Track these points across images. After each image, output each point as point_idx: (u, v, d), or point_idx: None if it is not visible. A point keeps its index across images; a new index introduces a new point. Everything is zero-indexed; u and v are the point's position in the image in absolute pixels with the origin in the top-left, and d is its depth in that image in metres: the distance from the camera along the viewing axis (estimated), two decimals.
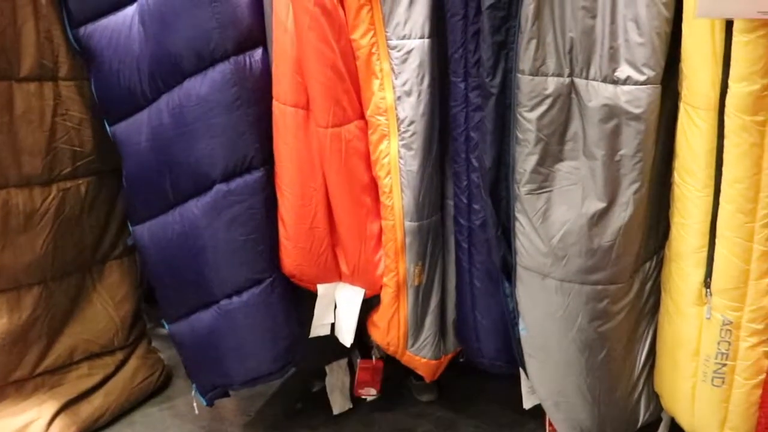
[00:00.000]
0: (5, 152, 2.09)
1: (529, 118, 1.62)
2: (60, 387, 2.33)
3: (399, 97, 1.84)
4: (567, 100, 1.61)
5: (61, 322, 2.33)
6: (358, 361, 2.34)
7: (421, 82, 1.82)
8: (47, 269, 2.25)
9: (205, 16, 1.86)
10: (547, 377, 1.82)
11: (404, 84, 1.83)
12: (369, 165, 1.93)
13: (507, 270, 1.79)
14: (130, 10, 2.00)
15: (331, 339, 2.15)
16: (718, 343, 1.58)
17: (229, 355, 2.07)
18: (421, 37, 1.80)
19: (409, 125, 1.84)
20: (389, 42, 1.81)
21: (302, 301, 2.10)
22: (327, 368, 2.36)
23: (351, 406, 2.41)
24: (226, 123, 1.91)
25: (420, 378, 2.27)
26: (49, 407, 2.26)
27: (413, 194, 1.89)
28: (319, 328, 2.12)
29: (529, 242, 1.70)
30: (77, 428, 2.30)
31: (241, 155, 1.92)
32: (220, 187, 1.94)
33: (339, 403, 2.39)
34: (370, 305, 2.09)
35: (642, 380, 1.84)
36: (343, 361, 2.37)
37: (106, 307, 2.42)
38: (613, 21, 1.52)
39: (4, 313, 2.18)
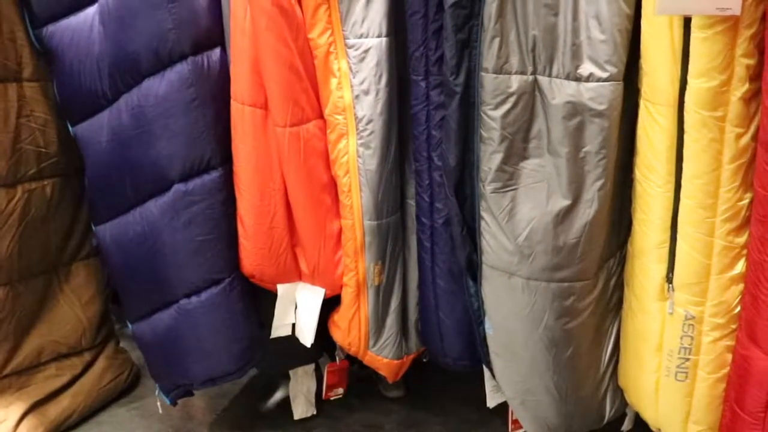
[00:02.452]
0: None
1: (493, 117, 1.54)
2: (27, 388, 2.20)
3: (357, 96, 1.73)
4: (531, 97, 1.53)
5: (28, 323, 2.21)
6: (327, 365, 2.25)
7: (379, 80, 1.72)
8: (13, 271, 2.13)
9: (163, 17, 1.75)
10: (514, 376, 1.75)
11: (362, 83, 1.73)
12: (328, 164, 1.82)
13: (472, 269, 1.71)
14: (91, 11, 1.88)
15: (297, 343, 2.04)
16: (681, 338, 1.53)
17: (189, 355, 1.97)
18: (379, 36, 1.70)
19: (368, 124, 1.74)
20: (347, 41, 1.71)
21: (263, 301, 2.00)
22: (291, 373, 2.25)
23: (314, 412, 2.30)
24: (185, 123, 1.80)
25: None
26: (17, 409, 2.14)
27: (372, 193, 1.79)
28: (280, 328, 2.01)
29: (495, 241, 1.62)
30: (45, 429, 2.17)
31: (199, 155, 1.82)
32: (178, 187, 1.83)
33: (301, 409, 2.28)
34: (331, 305, 1.99)
35: (607, 376, 1.77)
36: (310, 367, 2.26)
37: (73, 308, 2.30)
38: (575, 18, 1.45)
39: None
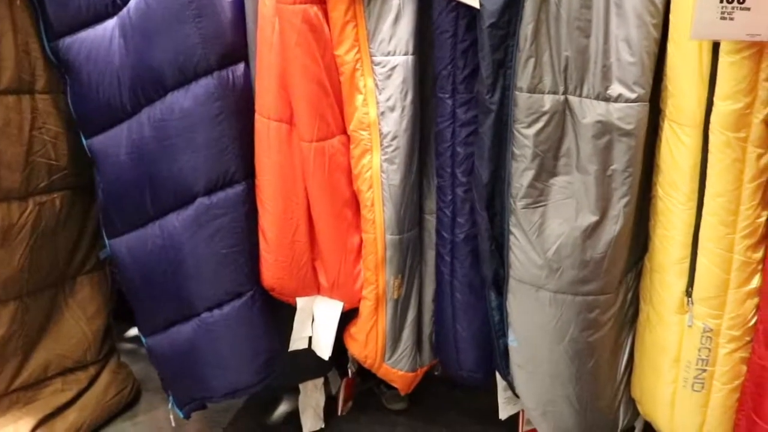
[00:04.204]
0: None
1: (526, 134, 1.60)
2: (35, 403, 2.22)
3: (382, 113, 1.78)
4: (562, 116, 1.59)
5: (35, 337, 2.23)
6: (344, 380, 2.29)
7: (404, 97, 1.77)
8: (24, 284, 2.14)
9: (189, 31, 1.79)
10: (536, 387, 1.79)
11: (388, 99, 1.77)
12: (350, 179, 1.87)
13: (497, 283, 1.76)
14: (110, 24, 1.90)
15: (309, 357, 2.08)
16: (699, 350, 1.59)
17: (209, 368, 1.99)
18: (405, 54, 1.75)
19: (392, 140, 1.79)
20: (373, 58, 1.76)
21: (279, 314, 2.03)
22: (301, 387, 2.29)
23: (323, 426, 2.34)
24: (209, 137, 1.83)
25: (391, 387, 2.20)
26: (25, 424, 2.15)
27: (395, 208, 1.84)
28: (297, 341, 2.04)
29: (524, 255, 1.67)
30: None
31: (223, 169, 1.85)
32: (201, 201, 1.87)
33: (310, 423, 2.32)
34: (346, 318, 2.02)
35: (622, 387, 1.83)
36: (319, 381, 2.30)
37: (78, 322, 2.32)
38: (606, 41, 1.51)
39: None
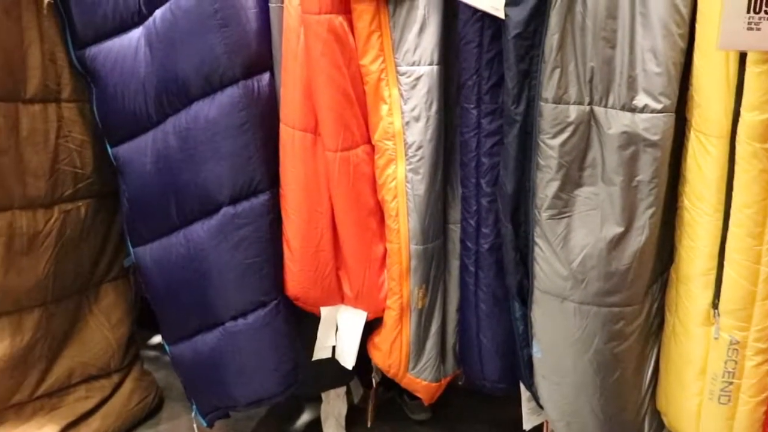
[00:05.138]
0: (11, 174, 2.02)
1: (551, 145, 1.60)
2: (59, 410, 2.25)
3: (407, 123, 1.79)
4: (587, 127, 1.59)
5: (60, 344, 2.26)
6: (371, 390, 2.31)
7: (429, 107, 1.78)
8: (48, 292, 2.17)
9: (215, 41, 1.81)
10: (560, 398, 1.79)
11: (413, 109, 1.78)
12: (374, 189, 1.88)
13: (522, 293, 1.76)
14: (136, 33, 1.94)
15: (331, 366, 2.09)
16: (725, 362, 1.58)
17: (234, 377, 2.00)
18: (431, 64, 1.76)
19: (417, 150, 1.80)
20: (398, 68, 1.77)
21: (303, 323, 2.05)
22: (323, 395, 2.30)
23: None
24: (234, 146, 1.85)
25: (414, 397, 2.21)
26: (49, 431, 2.18)
27: (420, 218, 1.85)
28: (321, 351, 2.06)
29: (548, 266, 1.67)
30: None
31: (248, 178, 1.87)
32: (227, 210, 1.89)
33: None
34: (369, 328, 2.04)
35: (647, 399, 1.82)
36: (341, 389, 2.31)
37: (102, 330, 2.35)
38: (631, 51, 1.51)
39: (6, 336, 2.10)
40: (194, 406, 2.14)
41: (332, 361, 2.08)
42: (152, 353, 2.77)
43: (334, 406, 2.31)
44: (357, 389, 2.39)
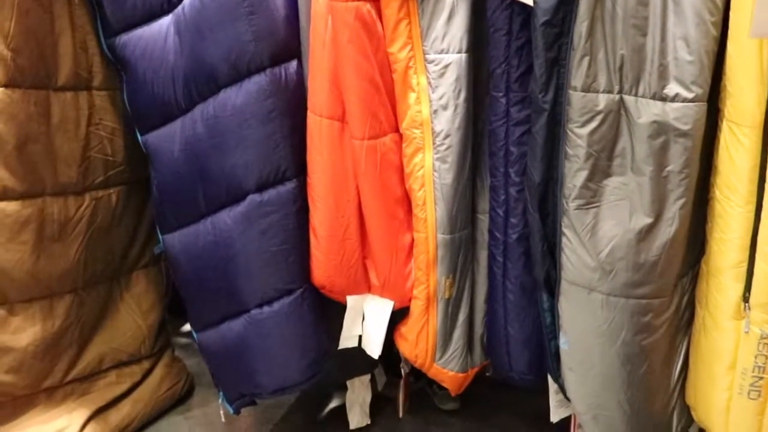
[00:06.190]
0: (42, 161, 2.04)
1: (580, 134, 1.58)
2: (89, 395, 2.27)
3: (435, 111, 1.78)
4: (616, 116, 1.57)
5: (90, 330, 2.28)
6: (402, 381, 2.31)
7: (457, 96, 1.77)
8: (79, 278, 2.20)
9: (242, 29, 1.81)
10: (587, 391, 1.77)
11: (441, 98, 1.78)
12: (402, 178, 1.88)
13: (549, 284, 1.75)
14: (166, 21, 1.94)
15: (355, 354, 2.10)
16: (756, 357, 1.57)
17: (259, 364, 2.00)
18: (459, 52, 1.75)
19: (445, 138, 1.80)
20: (427, 56, 1.77)
21: (328, 312, 2.04)
22: (348, 383, 2.30)
23: (369, 422, 2.35)
24: (261, 134, 1.85)
25: (443, 388, 2.19)
26: (80, 415, 2.20)
27: (447, 207, 1.84)
28: (347, 339, 2.06)
29: (576, 257, 1.66)
30: None
31: (275, 166, 1.87)
32: (253, 198, 1.89)
33: (357, 419, 2.34)
34: (395, 318, 2.03)
35: (676, 393, 1.81)
36: (366, 377, 2.31)
37: (133, 316, 2.37)
38: (663, 39, 1.49)
39: (37, 321, 2.12)
40: (221, 393, 2.15)
41: (357, 350, 2.08)
42: (184, 340, 2.79)
43: (358, 394, 2.31)
44: (381, 377, 2.39)
